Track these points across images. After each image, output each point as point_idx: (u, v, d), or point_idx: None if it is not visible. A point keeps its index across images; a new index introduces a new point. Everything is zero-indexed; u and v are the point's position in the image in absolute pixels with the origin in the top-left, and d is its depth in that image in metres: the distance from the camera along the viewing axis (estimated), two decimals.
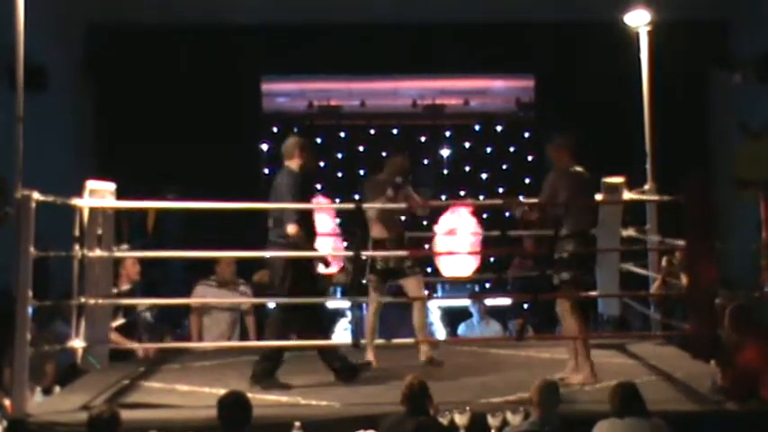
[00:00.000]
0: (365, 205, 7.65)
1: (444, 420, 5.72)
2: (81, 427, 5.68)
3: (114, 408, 5.56)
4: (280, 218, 7.11)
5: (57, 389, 7.08)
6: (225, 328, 9.28)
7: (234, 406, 5.34)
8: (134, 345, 8.47)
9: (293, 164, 7.29)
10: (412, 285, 7.92)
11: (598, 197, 8.78)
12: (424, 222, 9.17)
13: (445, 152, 14.91)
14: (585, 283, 7.37)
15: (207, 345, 9.03)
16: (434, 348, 8.07)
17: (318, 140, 15.28)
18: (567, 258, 7.01)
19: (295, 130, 15.11)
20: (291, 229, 6.97)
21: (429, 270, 9.61)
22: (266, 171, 14.39)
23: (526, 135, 14.37)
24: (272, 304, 8.77)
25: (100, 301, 6.81)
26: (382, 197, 7.71)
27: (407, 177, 7.91)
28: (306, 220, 7.19)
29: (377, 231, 7.84)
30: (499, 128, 14.93)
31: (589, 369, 7.01)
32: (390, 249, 7.73)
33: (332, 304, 11.24)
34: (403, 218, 8.19)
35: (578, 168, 7.21)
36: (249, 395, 5.50)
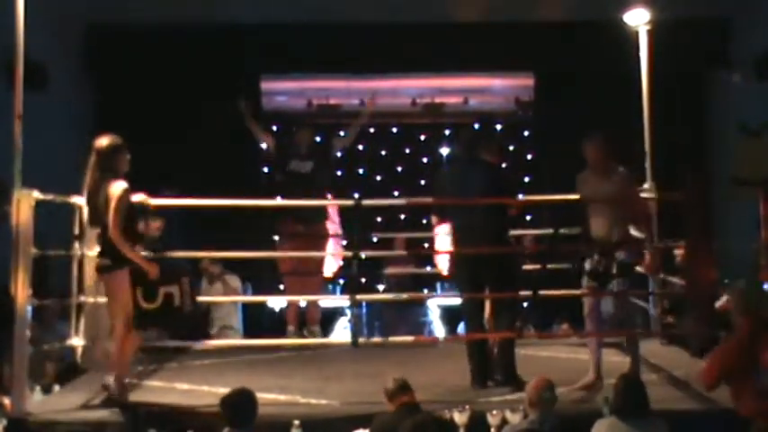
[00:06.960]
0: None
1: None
2: (80, 425, 5.69)
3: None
4: None
5: (56, 387, 7.07)
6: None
7: (238, 402, 5.30)
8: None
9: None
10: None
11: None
12: (423, 221, 9.13)
13: (445, 150, 14.90)
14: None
15: (207, 343, 9.04)
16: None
17: (318, 139, 15.28)
18: None
19: (294, 129, 15.18)
20: None
21: (429, 269, 9.60)
22: (265, 169, 14.40)
23: (525, 134, 14.35)
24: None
25: (99, 299, 6.82)
26: (597, 189, 6.84)
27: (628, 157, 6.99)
28: None
29: (594, 227, 6.96)
30: (498, 126, 14.93)
31: None
32: (605, 251, 6.80)
33: (332, 303, 11.24)
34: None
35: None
36: None
